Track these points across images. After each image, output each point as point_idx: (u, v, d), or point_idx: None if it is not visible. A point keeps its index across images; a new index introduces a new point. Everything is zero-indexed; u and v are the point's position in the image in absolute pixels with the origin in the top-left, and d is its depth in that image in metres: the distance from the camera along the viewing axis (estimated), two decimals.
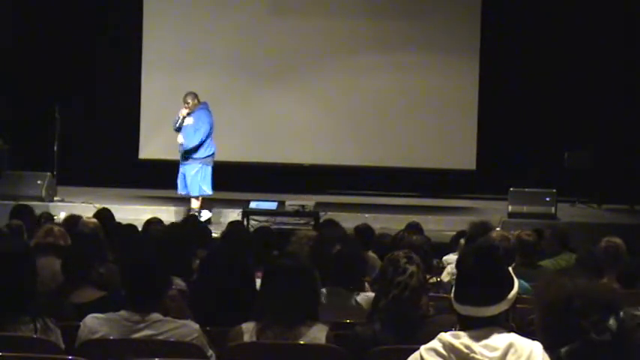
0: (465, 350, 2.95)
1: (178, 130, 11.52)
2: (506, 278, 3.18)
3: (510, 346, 2.96)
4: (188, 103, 11.50)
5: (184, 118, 11.47)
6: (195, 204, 11.47)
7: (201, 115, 11.49)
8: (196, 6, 14.35)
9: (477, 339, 2.98)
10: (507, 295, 3.12)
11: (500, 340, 3.00)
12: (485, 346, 2.97)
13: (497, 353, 2.95)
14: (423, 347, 3.03)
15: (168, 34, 14.32)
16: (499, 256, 3.36)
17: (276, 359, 3.87)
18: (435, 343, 3.01)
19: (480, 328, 3.03)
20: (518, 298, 5.04)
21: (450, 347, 2.97)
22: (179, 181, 11.57)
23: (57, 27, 14.36)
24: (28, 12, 14.46)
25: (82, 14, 14.40)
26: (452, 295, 3.15)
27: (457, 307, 3.10)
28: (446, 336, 3.01)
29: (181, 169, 11.56)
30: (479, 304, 3.07)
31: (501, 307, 3.09)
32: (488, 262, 3.18)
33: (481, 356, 2.93)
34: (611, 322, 2.49)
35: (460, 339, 2.98)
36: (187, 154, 11.48)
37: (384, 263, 4.15)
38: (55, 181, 12.37)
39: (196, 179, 11.44)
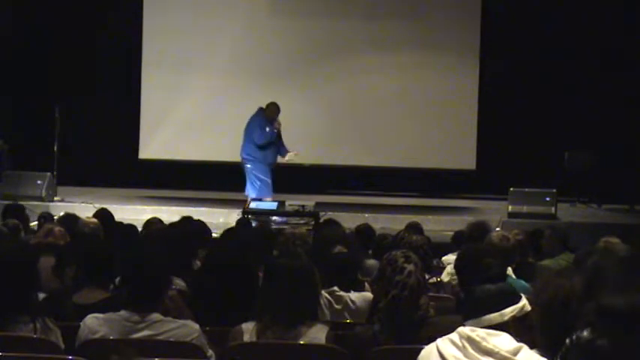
0: (479, 339, 3.10)
1: (269, 144, 11.66)
2: (505, 294, 3.32)
3: (521, 347, 3.05)
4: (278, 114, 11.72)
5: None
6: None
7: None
8: (196, 6, 14.35)
9: (491, 335, 3.14)
10: (504, 309, 3.25)
11: (512, 342, 3.14)
12: (499, 341, 3.12)
13: (510, 347, 3.03)
14: (439, 339, 3.20)
15: (169, 34, 14.32)
16: (491, 274, 3.56)
17: (276, 359, 3.87)
18: (452, 335, 3.18)
19: (492, 330, 3.18)
20: None
21: (466, 337, 3.13)
22: (255, 185, 11.69)
23: (57, 27, 14.36)
24: (28, 12, 14.46)
25: (82, 14, 14.40)
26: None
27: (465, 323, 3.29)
28: (464, 329, 3.18)
29: (263, 176, 11.75)
30: (475, 316, 3.23)
31: (497, 319, 3.23)
32: (483, 279, 3.40)
33: (493, 346, 3.01)
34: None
35: (476, 331, 3.14)
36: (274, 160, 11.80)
37: (382, 263, 4.15)
38: (55, 181, 12.37)
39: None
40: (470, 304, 3.35)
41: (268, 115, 11.73)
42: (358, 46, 14.28)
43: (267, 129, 11.69)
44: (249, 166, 11.83)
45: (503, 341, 3.11)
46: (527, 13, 14.06)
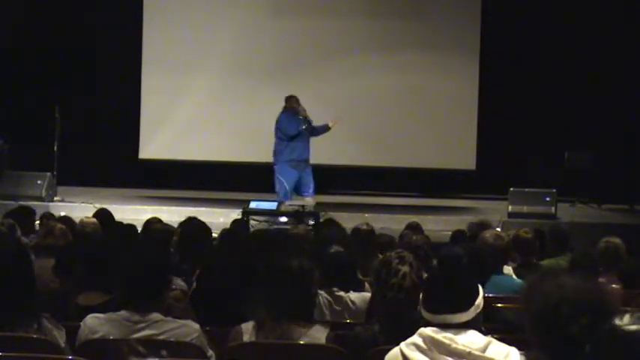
0: (447, 342, 2.98)
1: (297, 135, 11.71)
2: (473, 285, 3.25)
3: (490, 342, 2.99)
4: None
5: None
6: (312, 202, 11.67)
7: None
8: (196, 6, 14.36)
9: (458, 333, 3.03)
10: (475, 302, 3.18)
11: (479, 337, 3.04)
12: (466, 340, 3.01)
13: (479, 345, 2.97)
14: (402, 343, 3.06)
15: (169, 34, 14.33)
16: (463, 265, 3.45)
17: (276, 359, 3.87)
18: (414, 338, 3.05)
19: (457, 329, 3.08)
20: (517, 299, 5.04)
21: (430, 340, 3.00)
22: (291, 186, 11.73)
23: (57, 27, 14.36)
24: (28, 12, 14.46)
25: (82, 14, 14.40)
26: (421, 305, 3.20)
27: (429, 316, 3.15)
28: (426, 330, 3.04)
29: (297, 173, 11.81)
30: (453, 312, 3.11)
31: (471, 313, 3.14)
32: (453, 272, 3.29)
33: (463, 347, 2.95)
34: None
35: (441, 333, 3.01)
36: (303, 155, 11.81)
37: (377, 265, 4.14)
38: (55, 181, 12.37)
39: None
40: (437, 299, 3.19)
41: (289, 106, 11.82)
42: (358, 46, 14.28)
43: (294, 120, 11.76)
44: (275, 166, 11.91)
45: (471, 339, 3.00)
46: (528, 12, 14.06)
